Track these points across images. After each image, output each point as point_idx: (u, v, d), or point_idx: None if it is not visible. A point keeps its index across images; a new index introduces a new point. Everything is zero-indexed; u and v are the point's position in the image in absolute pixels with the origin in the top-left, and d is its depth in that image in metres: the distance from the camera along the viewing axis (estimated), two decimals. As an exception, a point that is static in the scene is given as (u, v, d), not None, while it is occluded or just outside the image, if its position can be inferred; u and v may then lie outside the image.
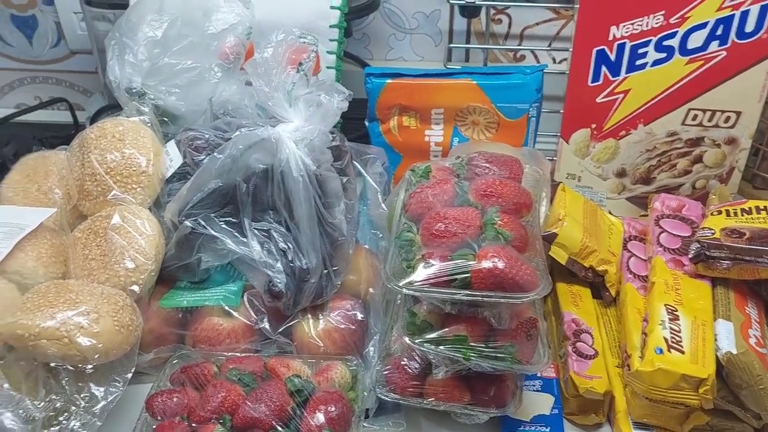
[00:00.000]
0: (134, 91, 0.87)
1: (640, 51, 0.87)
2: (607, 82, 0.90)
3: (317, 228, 0.74)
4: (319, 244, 0.74)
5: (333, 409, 0.64)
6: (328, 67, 1.00)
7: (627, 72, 0.89)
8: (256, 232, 0.75)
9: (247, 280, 0.77)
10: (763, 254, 0.72)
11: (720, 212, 0.80)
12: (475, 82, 0.92)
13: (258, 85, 0.75)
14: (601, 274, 0.82)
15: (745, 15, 0.83)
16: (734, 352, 0.67)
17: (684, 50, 0.86)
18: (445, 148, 0.96)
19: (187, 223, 0.75)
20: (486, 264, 0.62)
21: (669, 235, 0.83)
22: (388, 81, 0.94)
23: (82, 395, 0.67)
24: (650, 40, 0.86)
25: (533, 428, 0.72)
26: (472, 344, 0.64)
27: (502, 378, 0.68)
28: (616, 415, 0.72)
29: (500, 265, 0.61)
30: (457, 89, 0.93)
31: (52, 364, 0.66)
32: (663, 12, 0.85)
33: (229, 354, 0.74)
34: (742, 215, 0.78)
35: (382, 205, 0.86)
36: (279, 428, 0.63)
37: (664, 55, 0.87)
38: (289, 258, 0.73)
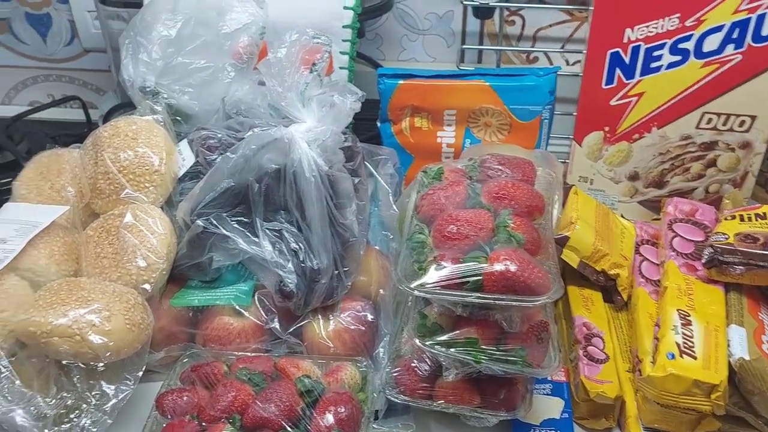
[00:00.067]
0: (148, 89, 0.88)
1: (655, 54, 0.86)
2: (621, 85, 0.89)
3: (328, 228, 0.74)
4: (331, 244, 0.74)
5: (342, 410, 0.64)
6: (340, 68, 1.00)
7: (641, 75, 0.88)
8: (267, 232, 0.75)
9: (258, 280, 0.77)
10: (777, 260, 0.71)
11: (734, 217, 0.79)
12: (487, 83, 0.92)
13: (271, 85, 0.75)
14: (612, 278, 0.81)
15: (761, 18, 0.82)
16: (747, 358, 0.67)
17: (699, 53, 0.86)
18: (457, 150, 0.96)
19: (199, 222, 0.75)
20: (498, 267, 0.61)
21: (682, 239, 0.82)
22: (401, 82, 0.93)
23: (93, 393, 0.67)
24: (665, 43, 0.86)
25: (543, 432, 0.71)
26: (483, 347, 0.64)
27: (513, 381, 0.68)
28: (626, 420, 0.72)
29: (512, 268, 0.61)
30: (470, 91, 0.93)
31: (64, 362, 0.66)
32: (678, 14, 0.84)
33: (240, 353, 0.74)
34: (756, 220, 0.77)
35: (394, 206, 0.86)
36: (288, 428, 0.63)
37: (679, 58, 0.86)
38: (301, 258, 0.73)
